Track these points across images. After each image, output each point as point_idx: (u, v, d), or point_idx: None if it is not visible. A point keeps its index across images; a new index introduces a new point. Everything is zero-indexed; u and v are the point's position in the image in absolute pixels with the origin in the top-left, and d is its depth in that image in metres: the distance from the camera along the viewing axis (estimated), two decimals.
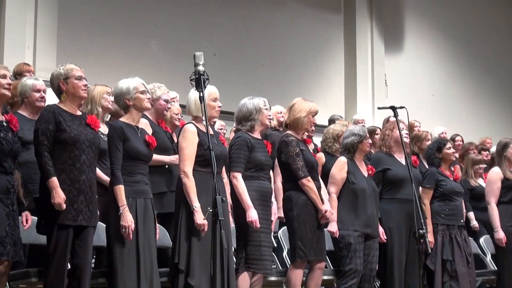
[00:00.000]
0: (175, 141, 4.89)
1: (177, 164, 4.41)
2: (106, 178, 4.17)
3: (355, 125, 5.57)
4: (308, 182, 4.55)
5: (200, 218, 3.91)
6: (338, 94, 11.36)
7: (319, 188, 4.64)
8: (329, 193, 4.99)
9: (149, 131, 4.51)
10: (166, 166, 4.68)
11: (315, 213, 4.57)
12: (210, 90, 4.20)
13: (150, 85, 4.64)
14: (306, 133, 4.81)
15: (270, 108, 4.81)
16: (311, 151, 4.84)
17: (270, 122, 4.65)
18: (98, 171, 4.03)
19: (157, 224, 4.06)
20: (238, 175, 4.32)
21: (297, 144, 4.61)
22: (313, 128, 4.77)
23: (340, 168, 4.99)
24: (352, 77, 11.35)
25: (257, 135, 4.52)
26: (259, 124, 4.50)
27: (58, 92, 3.80)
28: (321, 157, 5.70)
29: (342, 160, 5.04)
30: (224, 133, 6.64)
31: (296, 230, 4.56)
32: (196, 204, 3.92)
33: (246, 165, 4.37)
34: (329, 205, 4.63)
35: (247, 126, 4.47)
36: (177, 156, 4.47)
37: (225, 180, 4.84)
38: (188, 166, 4.01)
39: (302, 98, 4.78)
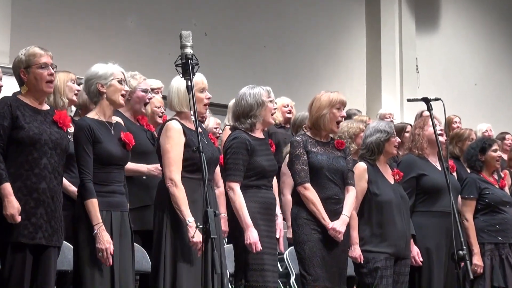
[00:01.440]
0: None
1: (156, 175, 4.40)
2: (73, 189, 4.15)
3: (380, 121, 5.55)
4: (305, 190, 4.54)
5: (196, 234, 3.88)
6: (359, 83, 11.36)
7: (327, 198, 4.59)
8: None
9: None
10: (144, 177, 4.61)
11: (322, 231, 4.55)
12: (196, 79, 4.10)
13: None
14: (332, 134, 4.77)
15: (276, 102, 4.79)
16: (342, 155, 4.75)
17: (274, 118, 4.62)
18: (64, 180, 4.01)
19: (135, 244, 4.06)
20: (236, 186, 4.31)
21: (301, 144, 4.62)
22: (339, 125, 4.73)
23: (359, 177, 4.96)
24: (375, 62, 11.34)
25: (258, 134, 4.51)
26: (261, 122, 4.50)
27: (20, 83, 3.78)
28: None
29: (360, 167, 5.02)
30: (220, 133, 6.63)
31: (297, 252, 4.59)
32: (189, 219, 3.92)
33: (246, 172, 4.37)
34: (342, 221, 4.58)
35: (246, 125, 4.45)
36: (157, 165, 4.44)
37: (221, 189, 4.81)
38: (175, 173, 4.00)
39: (324, 91, 4.76)
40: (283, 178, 5.64)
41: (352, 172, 4.78)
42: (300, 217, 4.56)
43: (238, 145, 4.36)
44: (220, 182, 4.86)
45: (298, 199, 4.62)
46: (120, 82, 3.94)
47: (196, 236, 3.88)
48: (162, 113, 5.20)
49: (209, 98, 4.25)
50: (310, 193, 4.54)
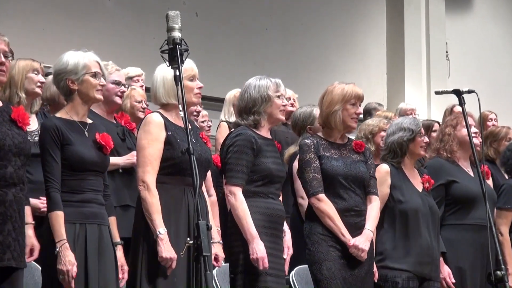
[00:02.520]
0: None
1: (134, 162, 4.41)
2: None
3: (404, 117, 5.55)
4: (319, 203, 4.53)
5: (166, 250, 3.87)
6: (378, 73, 11.36)
7: (346, 210, 4.57)
8: None
9: None
10: (120, 171, 4.69)
11: (342, 248, 4.55)
12: (184, 66, 4.10)
13: None
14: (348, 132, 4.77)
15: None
16: (362, 159, 4.74)
17: (283, 114, 4.61)
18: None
19: (121, 260, 4.05)
20: (237, 191, 4.30)
21: (311, 148, 4.60)
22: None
23: (380, 180, 4.95)
24: (397, 48, 11.34)
25: (265, 132, 4.51)
26: (266, 119, 4.49)
27: None
28: None
29: (382, 170, 5.03)
30: (209, 127, 6.64)
31: (312, 274, 4.58)
32: (160, 230, 3.89)
33: (250, 175, 4.37)
34: (365, 237, 4.56)
35: (250, 121, 4.47)
36: (133, 153, 4.51)
37: (213, 198, 4.81)
38: (149, 174, 3.98)
39: (338, 83, 4.73)
40: (297, 183, 5.64)
41: (375, 178, 4.77)
42: (314, 233, 4.55)
43: (242, 143, 4.36)
44: (212, 190, 4.86)
45: (311, 213, 4.61)
46: (94, 75, 3.95)
47: (166, 252, 3.87)
48: (144, 108, 5.21)
49: (200, 88, 4.25)
50: (325, 205, 4.53)
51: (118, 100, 4.93)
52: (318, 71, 10.40)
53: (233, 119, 5.84)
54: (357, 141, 4.85)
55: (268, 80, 4.49)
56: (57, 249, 3.71)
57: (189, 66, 4.17)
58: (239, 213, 4.27)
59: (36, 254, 3.75)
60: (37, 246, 3.75)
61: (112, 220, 4.06)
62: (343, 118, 4.64)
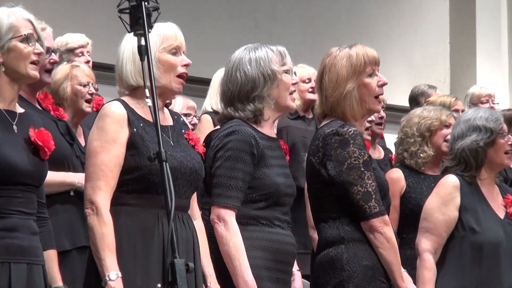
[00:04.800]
0: (83, 142, 4.96)
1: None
2: None
3: (475, 109, 5.54)
4: (386, 227, 4.38)
5: None
6: (437, 41, 11.40)
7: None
8: (418, 251, 5.03)
9: None
10: (71, 193, 4.73)
11: None
12: (166, 32, 4.16)
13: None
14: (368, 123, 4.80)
15: (295, 72, 4.79)
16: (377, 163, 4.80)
17: (293, 98, 4.60)
18: None
19: None
20: (230, 217, 4.36)
21: (363, 141, 4.46)
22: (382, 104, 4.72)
23: (445, 198, 5.04)
24: (465, 4, 11.40)
25: (268, 129, 4.53)
26: (273, 108, 4.50)
27: None
28: (399, 178, 5.79)
29: (449, 183, 5.08)
30: (194, 125, 6.65)
31: None
32: (111, 274, 3.88)
33: (248, 193, 4.38)
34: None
35: (247, 113, 4.47)
36: None
37: (199, 224, 4.85)
38: (101, 192, 4.00)
39: (337, 49, 4.55)
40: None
41: None
42: (367, 268, 4.42)
43: (238, 145, 4.37)
44: (197, 214, 4.86)
45: (354, 240, 4.46)
46: (26, 40, 3.98)
47: None
48: (92, 94, 5.21)
49: (187, 65, 4.21)
50: (391, 233, 4.43)
51: (47, 77, 4.93)
52: (349, 39, 10.37)
53: None
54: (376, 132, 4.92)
55: (267, 49, 4.49)
56: None
57: (171, 32, 4.20)
58: (230, 250, 4.30)
59: None
60: None
61: (52, 256, 4.12)
62: (361, 99, 4.50)
